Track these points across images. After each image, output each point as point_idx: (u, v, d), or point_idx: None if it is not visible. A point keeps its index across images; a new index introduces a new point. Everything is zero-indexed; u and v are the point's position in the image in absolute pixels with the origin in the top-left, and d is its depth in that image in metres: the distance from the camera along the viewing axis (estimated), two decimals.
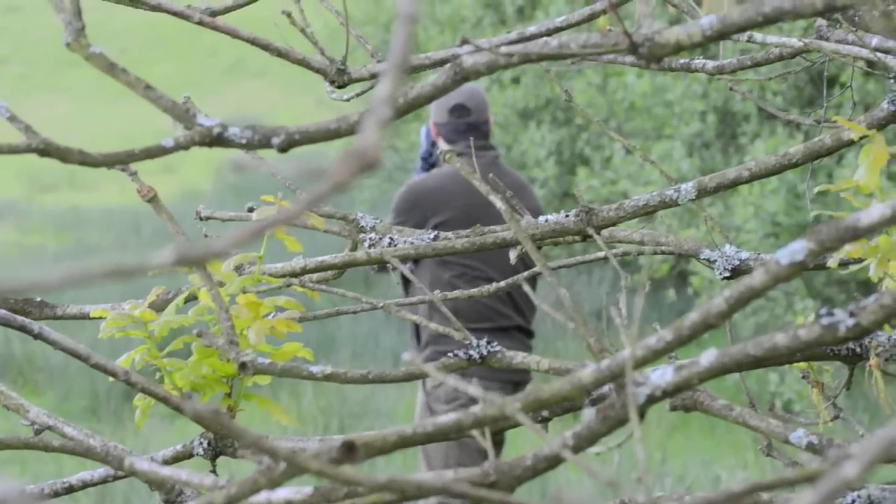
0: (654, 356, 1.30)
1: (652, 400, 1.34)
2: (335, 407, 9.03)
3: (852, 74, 2.25)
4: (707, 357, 1.31)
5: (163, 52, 22.91)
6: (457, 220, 5.88)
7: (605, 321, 1.64)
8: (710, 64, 2.24)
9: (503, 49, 1.43)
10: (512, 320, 6.16)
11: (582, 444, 1.36)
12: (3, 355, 10.09)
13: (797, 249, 1.26)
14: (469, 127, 6.21)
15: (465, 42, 1.45)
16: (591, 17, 1.77)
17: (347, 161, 0.78)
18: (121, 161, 1.48)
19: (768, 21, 1.36)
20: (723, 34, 1.38)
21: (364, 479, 1.02)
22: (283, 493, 1.40)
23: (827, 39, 2.06)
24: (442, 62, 1.86)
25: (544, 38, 1.42)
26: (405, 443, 1.31)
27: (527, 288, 1.46)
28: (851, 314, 1.26)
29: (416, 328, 6.22)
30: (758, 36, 2.08)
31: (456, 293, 2.11)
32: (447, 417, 1.30)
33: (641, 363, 1.30)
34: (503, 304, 6.13)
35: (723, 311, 1.27)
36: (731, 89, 2.49)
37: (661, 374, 1.34)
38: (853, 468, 0.74)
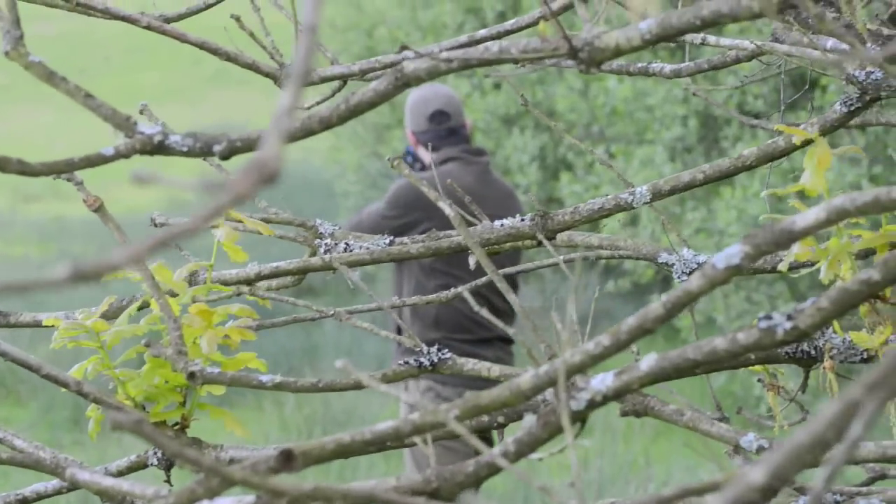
0: (592, 361, 1.29)
1: (592, 405, 1.33)
2: (318, 414, 9.01)
3: (809, 77, 2.25)
4: (647, 362, 1.31)
5: (147, 61, 22.89)
6: (448, 227, 5.82)
7: (556, 321, 1.63)
8: (668, 67, 2.23)
9: (444, 54, 1.43)
10: (493, 331, 6.14)
11: (523, 450, 1.35)
12: None
13: (733, 253, 1.25)
14: (450, 132, 6.18)
15: (404, 48, 1.44)
16: (540, 21, 1.76)
17: (248, 172, 0.78)
18: (61, 170, 1.47)
19: (706, 24, 1.35)
20: (661, 37, 1.37)
21: (289, 488, 1.01)
22: (224, 502, 1.39)
23: (782, 42, 2.06)
24: (392, 65, 1.85)
25: (485, 44, 1.42)
26: (344, 451, 1.31)
27: (467, 296, 1.46)
28: (789, 317, 1.25)
29: (399, 334, 6.20)
30: (711, 38, 2.08)
31: (414, 299, 2.10)
32: (385, 425, 1.29)
33: (579, 368, 1.29)
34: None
35: (660, 316, 1.27)
36: (693, 94, 2.48)
37: (602, 380, 1.33)
38: (758, 474, 0.73)
